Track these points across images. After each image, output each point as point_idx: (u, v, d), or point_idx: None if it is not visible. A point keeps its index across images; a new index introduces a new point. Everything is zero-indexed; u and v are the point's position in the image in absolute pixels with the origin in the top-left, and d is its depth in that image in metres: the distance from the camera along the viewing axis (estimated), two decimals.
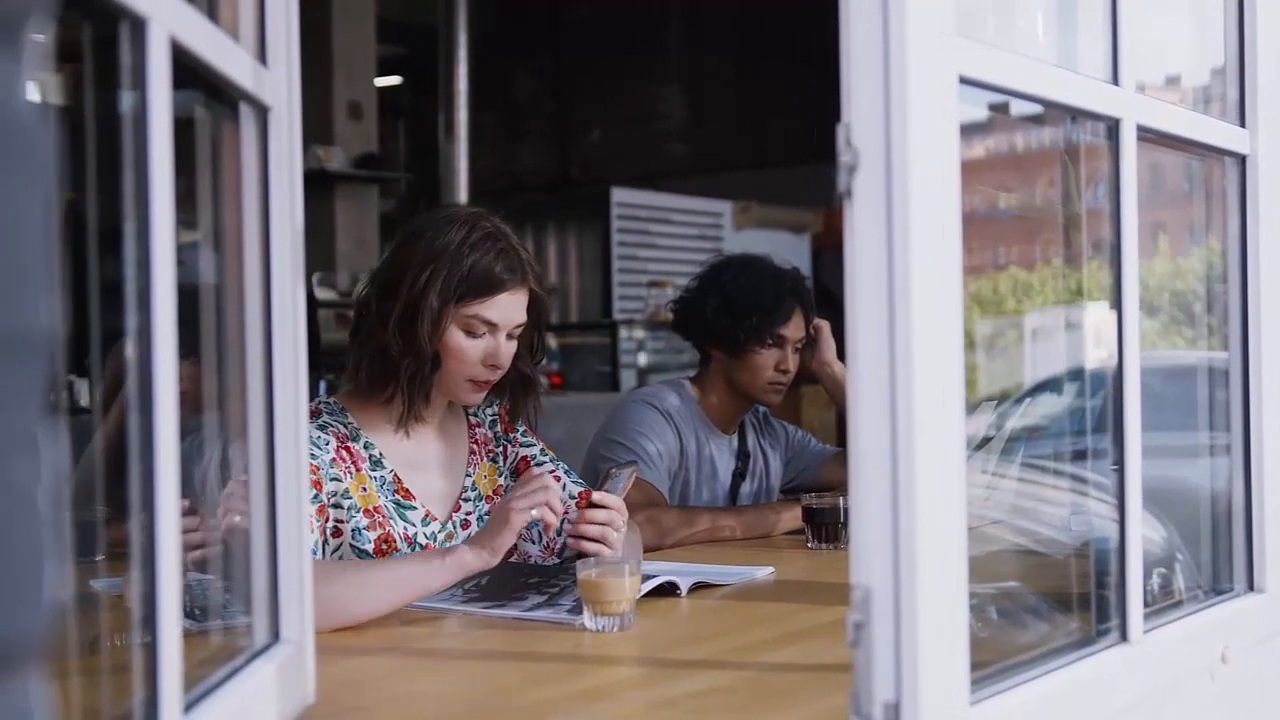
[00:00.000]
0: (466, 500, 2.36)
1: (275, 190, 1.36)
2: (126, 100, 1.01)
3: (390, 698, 1.61)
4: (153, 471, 1.00)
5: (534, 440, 2.47)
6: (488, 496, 2.38)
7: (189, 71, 1.11)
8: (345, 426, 2.25)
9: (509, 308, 2.24)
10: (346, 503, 2.17)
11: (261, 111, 1.34)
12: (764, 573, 2.38)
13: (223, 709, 1.15)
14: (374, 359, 2.23)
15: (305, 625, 1.40)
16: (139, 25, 0.99)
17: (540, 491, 2.02)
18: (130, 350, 1.00)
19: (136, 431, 1.00)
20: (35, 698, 0.54)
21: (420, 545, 2.24)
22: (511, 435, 2.45)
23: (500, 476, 2.42)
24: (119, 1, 0.95)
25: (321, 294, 7.03)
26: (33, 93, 0.53)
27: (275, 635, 1.37)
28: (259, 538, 1.36)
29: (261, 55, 1.34)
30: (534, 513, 2.00)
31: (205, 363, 1.33)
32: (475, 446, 2.40)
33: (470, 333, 2.22)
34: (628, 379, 7.43)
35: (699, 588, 2.21)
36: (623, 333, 7.62)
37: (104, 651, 1.21)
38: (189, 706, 1.08)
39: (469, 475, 2.38)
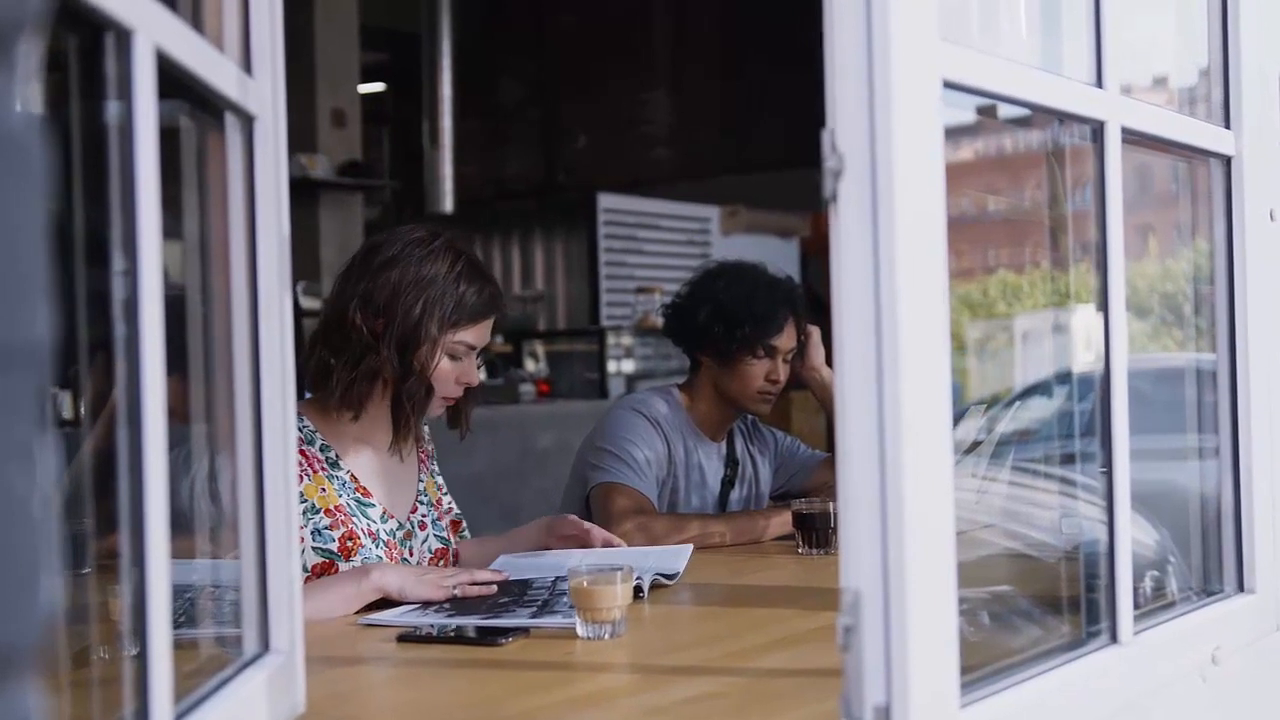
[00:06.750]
0: (422, 503, 2.47)
1: (261, 200, 1.36)
2: (112, 110, 1.00)
3: (380, 708, 1.61)
4: (141, 484, 0.99)
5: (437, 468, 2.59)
6: (435, 503, 2.50)
7: (173, 81, 1.11)
8: (300, 430, 2.28)
9: (487, 331, 2.38)
10: (302, 505, 2.22)
11: (247, 121, 1.34)
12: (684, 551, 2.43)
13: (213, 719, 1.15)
14: (363, 380, 2.29)
15: (295, 635, 1.40)
16: (124, 36, 0.99)
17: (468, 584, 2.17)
18: (119, 361, 0.99)
19: (125, 444, 0.99)
20: (33, 705, 0.54)
21: (383, 541, 2.33)
22: (433, 465, 2.57)
23: (439, 490, 2.54)
24: (105, 12, 0.95)
25: (306, 303, 6.99)
26: (26, 104, 0.53)
27: (265, 645, 1.37)
28: (248, 549, 1.36)
29: (247, 65, 1.34)
30: (457, 591, 2.15)
31: (192, 374, 1.32)
32: (424, 457, 2.53)
33: (453, 356, 2.33)
34: (616, 386, 7.41)
35: (658, 586, 2.24)
36: (610, 339, 7.60)
37: (92, 664, 1.20)
38: (179, 717, 1.08)
39: (420, 481, 2.49)
